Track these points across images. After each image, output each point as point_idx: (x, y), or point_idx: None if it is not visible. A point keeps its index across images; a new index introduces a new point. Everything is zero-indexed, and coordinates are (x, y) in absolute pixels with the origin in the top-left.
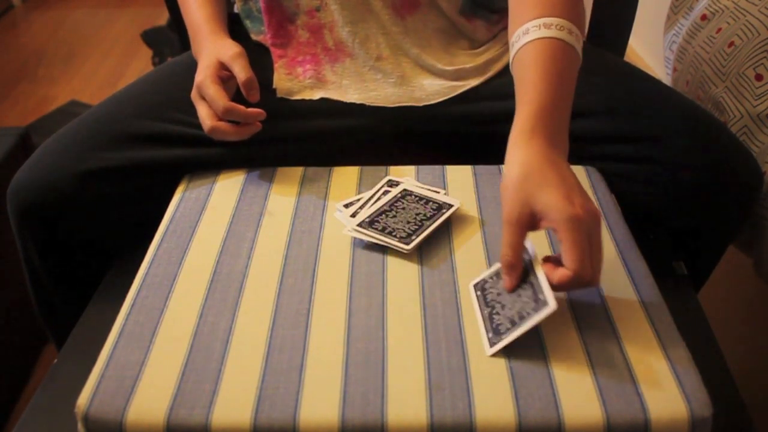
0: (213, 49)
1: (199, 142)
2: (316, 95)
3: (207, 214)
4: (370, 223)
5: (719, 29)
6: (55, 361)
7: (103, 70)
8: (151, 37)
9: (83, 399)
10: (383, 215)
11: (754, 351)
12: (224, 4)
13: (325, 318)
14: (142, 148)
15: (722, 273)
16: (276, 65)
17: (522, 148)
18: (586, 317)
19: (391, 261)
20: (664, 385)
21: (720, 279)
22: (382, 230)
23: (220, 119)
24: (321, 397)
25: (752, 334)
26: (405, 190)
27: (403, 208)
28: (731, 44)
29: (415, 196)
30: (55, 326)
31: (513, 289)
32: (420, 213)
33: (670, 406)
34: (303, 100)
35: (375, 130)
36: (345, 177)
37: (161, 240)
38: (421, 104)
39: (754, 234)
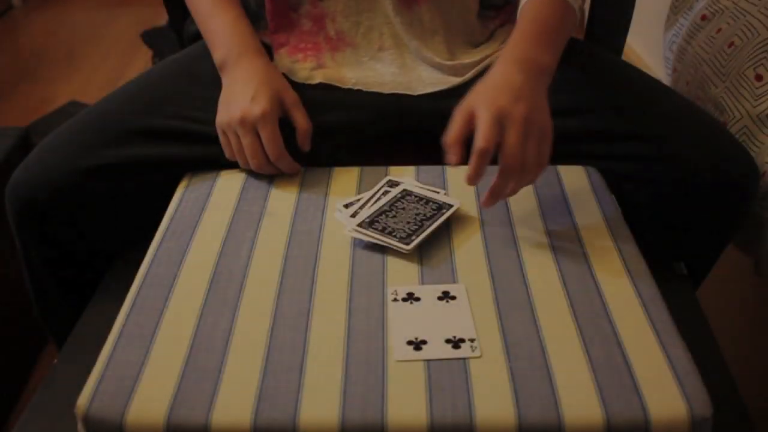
0: (270, 81)
1: (199, 140)
2: (316, 77)
3: (207, 213)
4: (369, 223)
5: (719, 29)
6: (55, 361)
7: (103, 70)
8: (151, 37)
9: (83, 399)
10: (383, 215)
11: (754, 351)
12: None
13: (325, 318)
14: (142, 146)
15: (722, 273)
16: (278, 52)
17: (493, 68)
18: (586, 317)
19: (391, 261)
20: (664, 385)
21: (720, 279)
22: (382, 230)
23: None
24: (321, 397)
25: (752, 334)
26: (405, 190)
27: (403, 208)
28: (731, 44)
29: (415, 196)
30: (55, 326)
31: (458, 163)
32: (420, 213)
33: (670, 406)
34: (303, 90)
35: (374, 125)
36: (345, 177)
37: (161, 240)
38: (416, 93)
39: (754, 234)
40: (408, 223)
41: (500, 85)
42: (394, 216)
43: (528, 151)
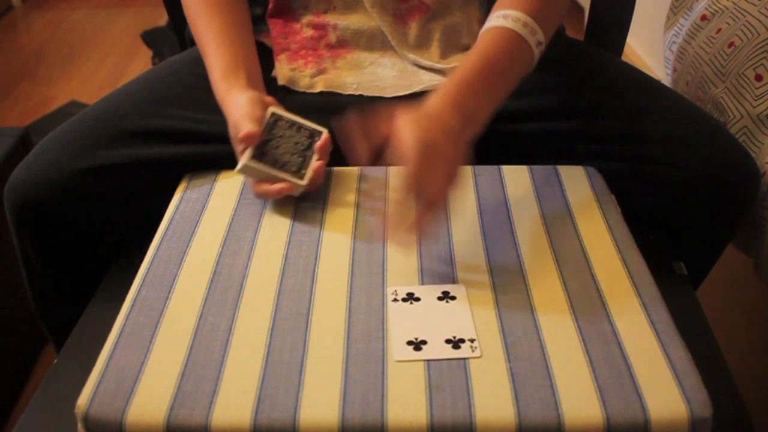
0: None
1: (198, 138)
2: (317, 85)
3: (207, 214)
4: (260, 156)
5: (719, 29)
6: (55, 361)
7: (103, 70)
8: (151, 38)
9: (83, 399)
10: (267, 145)
11: (754, 351)
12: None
13: (325, 318)
14: (141, 145)
15: (722, 273)
16: (278, 57)
17: (430, 99)
18: (586, 317)
19: (391, 261)
20: (664, 385)
21: (720, 279)
22: (274, 163)
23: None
24: (321, 397)
25: (752, 335)
26: (274, 113)
27: (281, 136)
28: (731, 44)
29: (285, 121)
30: (54, 326)
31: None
32: (298, 141)
33: (670, 406)
34: (304, 97)
35: None
36: (345, 177)
37: (161, 240)
38: (416, 96)
39: (754, 234)
40: (293, 154)
41: (433, 118)
42: (277, 147)
43: (434, 181)
